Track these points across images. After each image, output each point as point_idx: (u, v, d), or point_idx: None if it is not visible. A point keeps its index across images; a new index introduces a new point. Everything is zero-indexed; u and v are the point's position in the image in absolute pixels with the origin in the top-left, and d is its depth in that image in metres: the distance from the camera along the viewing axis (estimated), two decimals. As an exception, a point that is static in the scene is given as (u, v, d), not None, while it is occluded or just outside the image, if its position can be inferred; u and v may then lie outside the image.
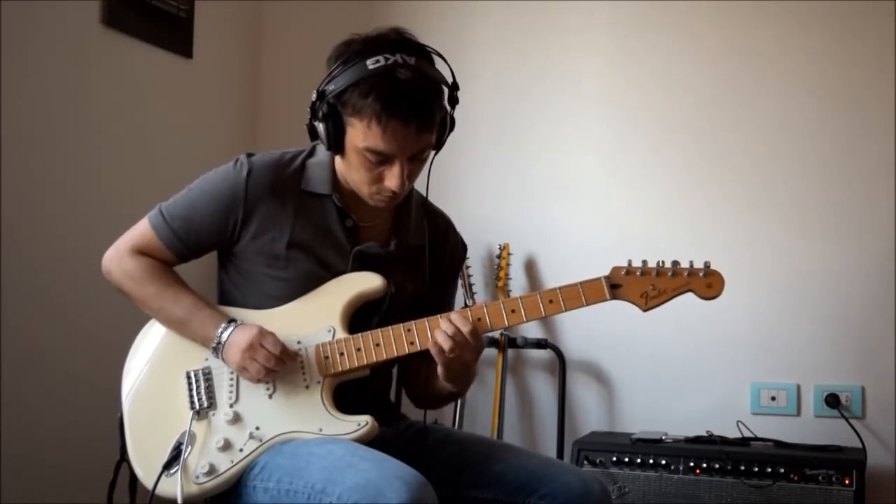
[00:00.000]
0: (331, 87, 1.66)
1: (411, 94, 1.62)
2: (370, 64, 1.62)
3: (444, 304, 1.92)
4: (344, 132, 1.67)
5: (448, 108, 1.73)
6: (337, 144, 1.69)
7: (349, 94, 1.64)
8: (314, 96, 1.69)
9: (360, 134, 1.65)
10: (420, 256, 1.85)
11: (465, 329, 1.66)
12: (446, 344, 1.65)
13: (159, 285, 1.76)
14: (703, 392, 2.92)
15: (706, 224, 2.96)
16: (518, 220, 3.13)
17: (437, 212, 1.95)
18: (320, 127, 1.69)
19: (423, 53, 1.69)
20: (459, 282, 2.10)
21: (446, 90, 1.72)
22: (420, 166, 1.73)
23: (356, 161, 1.69)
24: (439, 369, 1.70)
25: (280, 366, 1.68)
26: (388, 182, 1.69)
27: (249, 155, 1.78)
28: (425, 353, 1.69)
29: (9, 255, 2.39)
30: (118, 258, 1.79)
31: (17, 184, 2.42)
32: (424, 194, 1.89)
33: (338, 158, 1.76)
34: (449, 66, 1.74)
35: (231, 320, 1.73)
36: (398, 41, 1.66)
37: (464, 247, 1.99)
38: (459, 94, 1.75)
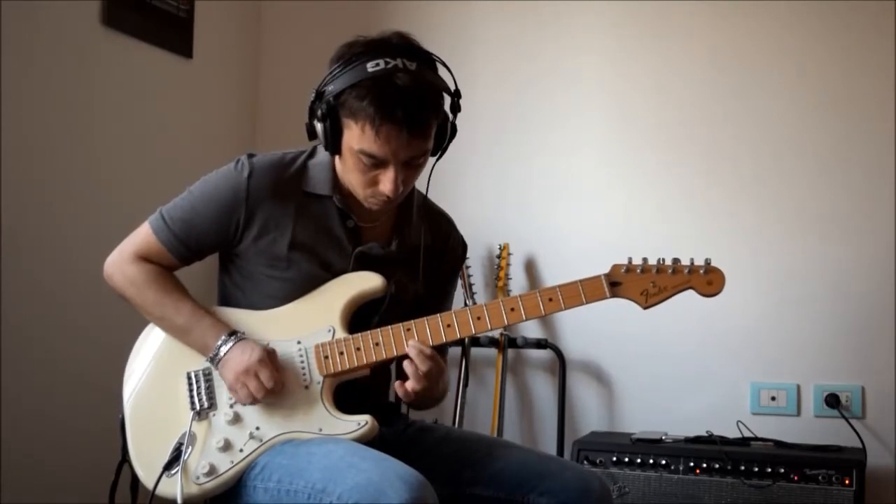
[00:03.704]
0: (330, 88, 1.66)
1: (407, 100, 1.61)
2: (370, 67, 1.62)
3: (441, 305, 1.92)
4: (341, 133, 1.67)
5: (450, 115, 1.73)
6: (334, 145, 1.69)
7: (346, 96, 1.63)
8: (313, 96, 1.69)
9: (355, 136, 1.65)
10: (421, 257, 1.85)
11: (428, 357, 1.67)
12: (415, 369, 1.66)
13: (160, 292, 1.76)
14: (703, 392, 2.92)
15: (705, 224, 2.96)
16: (518, 220, 3.13)
17: (439, 212, 1.95)
18: (318, 127, 1.69)
19: (426, 59, 1.68)
20: (459, 281, 2.10)
21: (448, 97, 1.72)
22: (416, 172, 1.73)
23: (351, 163, 1.69)
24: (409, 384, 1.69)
25: (270, 397, 1.68)
26: (381, 186, 1.68)
27: (250, 156, 1.78)
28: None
29: (9, 255, 2.39)
30: (120, 263, 1.79)
31: (17, 184, 2.42)
32: (425, 194, 1.89)
33: (337, 159, 1.76)
34: (451, 73, 1.74)
35: (232, 333, 1.72)
36: (401, 45, 1.66)
37: (464, 246, 1.99)
38: (460, 96, 1.75)
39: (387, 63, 1.62)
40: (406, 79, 1.61)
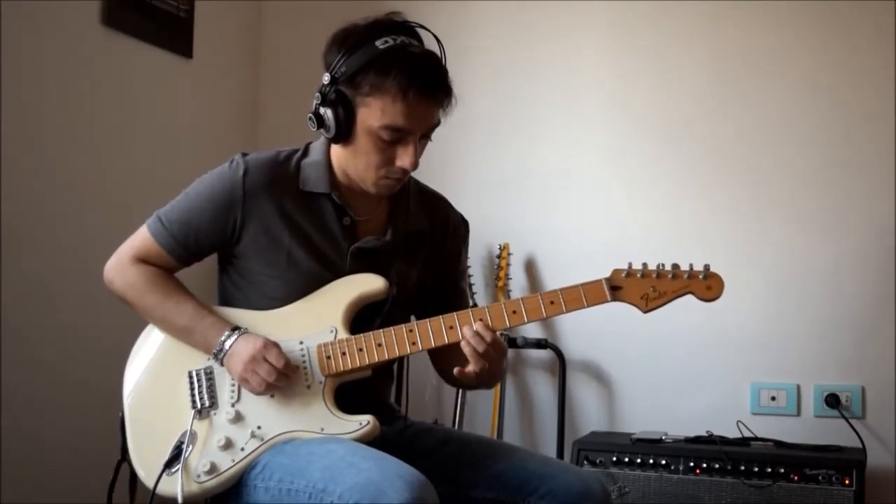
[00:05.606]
0: (342, 71, 1.67)
1: (432, 68, 1.67)
2: (380, 45, 1.65)
3: (455, 288, 1.93)
4: (355, 115, 1.68)
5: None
6: (347, 129, 1.69)
7: (363, 75, 1.65)
8: (326, 79, 1.69)
9: (376, 113, 1.65)
10: (421, 243, 1.86)
11: (488, 339, 1.66)
12: (475, 349, 1.65)
13: (160, 294, 1.76)
14: (703, 392, 2.93)
15: (706, 223, 2.96)
16: (518, 220, 3.13)
17: (433, 194, 1.95)
18: (328, 113, 1.69)
19: (417, 36, 1.73)
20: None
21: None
22: (425, 146, 1.75)
23: (367, 144, 1.69)
24: (470, 367, 1.68)
25: (282, 380, 1.68)
26: (399, 161, 1.69)
27: (244, 154, 1.78)
28: (442, 346, 1.70)
29: (9, 256, 2.39)
30: (119, 267, 1.78)
31: (17, 184, 2.42)
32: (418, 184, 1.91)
33: (338, 150, 1.76)
34: (442, 47, 1.76)
35: (235, 328, 1.72)
36: (400, 24, 1.71)
37: (465, 224, 1.98)
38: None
39: (394, 39, 1.66)
40: (421, 50, 1.67)
